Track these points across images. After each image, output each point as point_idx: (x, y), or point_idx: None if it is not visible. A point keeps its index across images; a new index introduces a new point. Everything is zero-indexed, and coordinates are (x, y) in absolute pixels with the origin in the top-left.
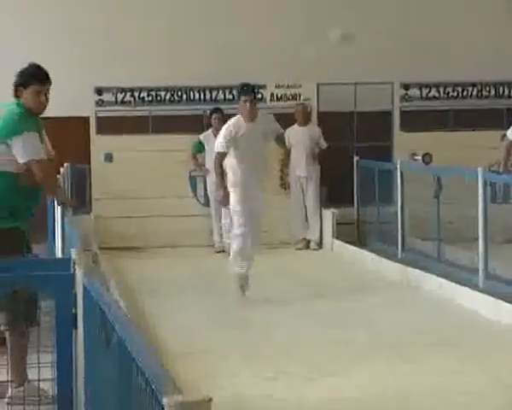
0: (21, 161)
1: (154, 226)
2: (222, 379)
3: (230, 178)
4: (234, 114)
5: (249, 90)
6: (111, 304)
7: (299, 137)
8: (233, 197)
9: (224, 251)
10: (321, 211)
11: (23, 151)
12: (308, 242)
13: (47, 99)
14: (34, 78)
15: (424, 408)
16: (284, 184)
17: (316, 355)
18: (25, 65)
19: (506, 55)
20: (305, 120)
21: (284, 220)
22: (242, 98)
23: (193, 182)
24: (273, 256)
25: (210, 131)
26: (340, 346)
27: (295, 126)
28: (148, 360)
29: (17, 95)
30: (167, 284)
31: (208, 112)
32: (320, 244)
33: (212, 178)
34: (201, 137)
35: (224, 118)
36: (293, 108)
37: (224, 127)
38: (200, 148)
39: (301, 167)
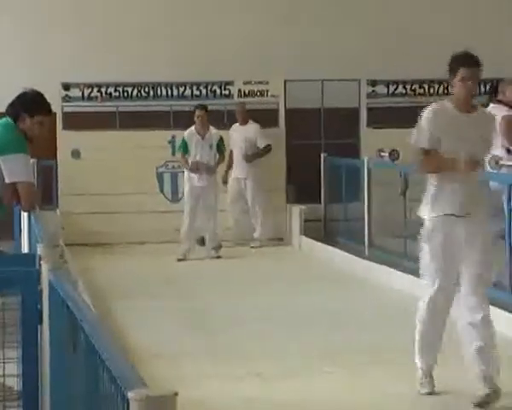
0: (11, 180)
1: (121, 223)
2: (191, 380)
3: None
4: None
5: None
6: (78, 301)
7: (237, 137)
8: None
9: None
10: (287, 208)
11: (14, 171)
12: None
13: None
14: (43, 109)
15: None
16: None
17: (284, 356)
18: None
19: (474, 51)
20: (243, 120)
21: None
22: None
23: (161, 178)
24: (241, 254)
25: (193, 128)
26: (309, 347)
27: (236, 126)
28: (113, 355)
29: (17, 119)
30: (136, 283)
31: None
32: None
33: (200, 177)
34: (185, 135)
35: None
36: (261, 105)
37: None
38: (185, 145)
39: (239, 168)
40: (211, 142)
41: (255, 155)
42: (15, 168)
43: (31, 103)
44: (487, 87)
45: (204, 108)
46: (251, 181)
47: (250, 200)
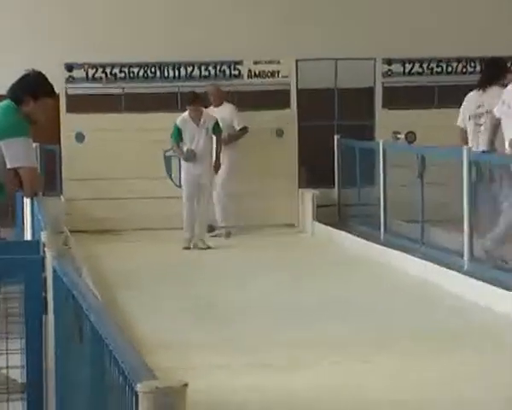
0: (12, 165)
1: (127, 209)
2: (199, 371)
3: None
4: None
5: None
6: (83, 290)
7: None
8: None
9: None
10: (298, 192)
11: (16, 155)
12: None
13: None
14: (47, 90)
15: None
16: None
17: (295, 346)
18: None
19: (491, 29)
20: (218, 101)
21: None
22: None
23: (168, 162)
24: (252, 239)
25: (186, 115)
26: (322, 337)
27: (210, 108)
28: (121, 346)
29: (20, 102)
30: (141, 271)
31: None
32: (228, 235)
33: (197, 163)
34: (178, 122)
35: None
36: (272, 86)
37: None
38: (179, 133)
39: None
40: (206, 127)
41: (232, 137)
42: (17, 153)
43: (34, 85)
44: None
45: (197, 97)
46: (226, 164)
47: (219, 185)
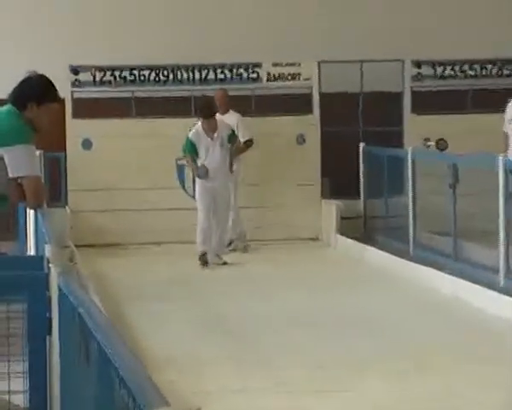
0: (15, 174)
1: (137, 221)
2: (213, 393)
3: None
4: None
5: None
6: (91, 308)
7: None
8: None
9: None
10: (322, 204)
11: (19, 164)
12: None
13: None
14: (51, 94)
15: None
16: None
17: (315, 366)
18: (22, 70)
19: None
20: (224, 108)
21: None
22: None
23: (181, 171)
24: (272, 253)
25: (200, 127)
26: (345, 355)
27: (216, 115)
28: (132, 369)
29: (22, 107)
30: (152, 288)
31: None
32: (246, 249)
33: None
34: (190, 136)
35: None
36: (292, 90)
37: None
38: (193, 148)
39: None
40: (221, 138)
41: (237, 150)
42: (20, 161)
43: (37, 89)
44: None
45: (210, 108)
46: (232, 180)
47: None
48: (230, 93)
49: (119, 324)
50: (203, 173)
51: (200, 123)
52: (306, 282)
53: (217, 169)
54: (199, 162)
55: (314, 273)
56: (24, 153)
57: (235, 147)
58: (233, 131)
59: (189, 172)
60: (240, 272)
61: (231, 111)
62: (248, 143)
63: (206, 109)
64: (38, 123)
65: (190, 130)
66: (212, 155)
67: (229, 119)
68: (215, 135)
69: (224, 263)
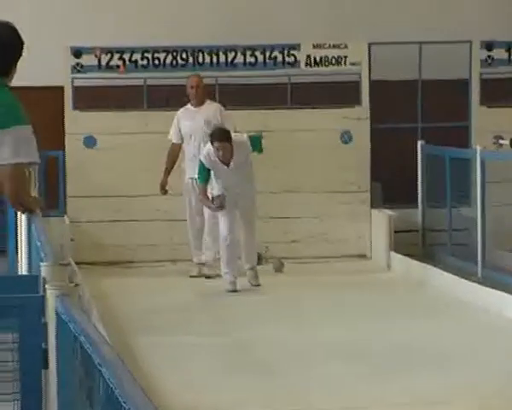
0: (11, 161)
1: (148, 234)
2: None
3: None
4: (254, 84)
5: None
6: (94, 338)
7: (192, 124)
8: None
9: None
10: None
11: (19, 148)
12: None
13: None
14: (22, 44)
15: None
16: None
17: (374, 406)
18: None
19: None
20: (201, 98)
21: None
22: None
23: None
24: (310, 273)
25: (211, 151)
26: (395, 396)
27: (188, 108)
28: None
29: (6, 73)
30: (166, 315)
31: None
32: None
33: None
34: (202, 159)
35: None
36: (337, 77)
37: None
38: (208, 175)
39: (196, 167)
40: (240, 165)
41: None
42: (20, 146)
43: (15, 43)
44: None
45: (226, 136)
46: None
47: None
48: (262, 80)
49: (128, 357)
50: (219, 206)
51: (211, 145)
52: (351, 308)
53: (238, 183)
54: (214, 190)
55: (362, 298)
56: (29, 135)
57: None
58: (254, 143)
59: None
60: (271, 296)
61: (208, 101)
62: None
63: (215, 131)
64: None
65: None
66: (229, 182)
67: (207, 110)
68: (231, 165)
69: (258, 285)
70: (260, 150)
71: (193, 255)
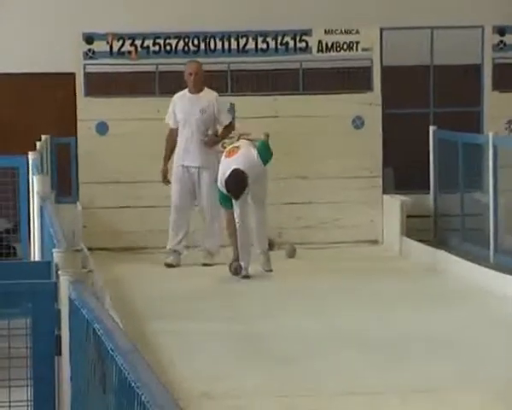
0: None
1: (161, 220)
2: None
3: None
4: (266, 70)
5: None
6: (108, 324)
7: (188, 110)
8: None
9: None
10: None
11: None
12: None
13: None
14: None
15: None
16: None
17: (379, 395)
18: None
19: None
20: (199, 86)
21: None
22: None
23: None
24: (322, 259)
25: (222, 180)
26: (410, 382)
27: (185, 94)
28: (159, 400)
29: None
30: (180, 302)
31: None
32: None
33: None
34: (219, 186)
35: None
36: (348, 62)
37: None
38: (228, 198)
39: (191, 154)
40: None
41: (219, 137)
42: None
43: None
44: None
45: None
46: (208, 173)
47: (205, 199)
48: (273, 66)
49: (141, 344)
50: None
51: (223, 162)
52: (364, 295)
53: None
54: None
55: (374, 284)
56: None
57: (214, 137)
58: (263, 155)
59: (223, 163)
60: (283, 283)
61: (206, 89)
62: (230, 128)
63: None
64: None
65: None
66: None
67: (204, 98)
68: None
69: (270, 270)
70: (271, 156)
71: (170, 243)
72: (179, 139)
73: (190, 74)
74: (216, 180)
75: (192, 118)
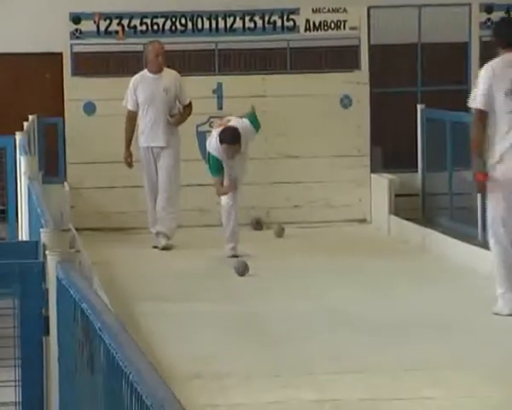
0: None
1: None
2: (244, 403)
3: None
4: (254, 49)
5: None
6: (96, 304)
7: (152, 90)
8: None
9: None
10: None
11: None
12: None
13: None
14: None
15: None
16: None
17: (370, 376)
18: None
19: None
20: (161, 66)
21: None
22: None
23: (202, 140)
24: (311, 238)
25: (219, 146)
26: (401, 363)
27: (145, 74)
28: (147, 379)
29: None
30: (169, 282)
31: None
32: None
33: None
34: (211, 151)
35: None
36: (336, 41)
37: None
38: (221, 166)
39: (154, 134)
40: (243, 152)
41: (182, 116)
42: None
43: None
44: None
45: (237, 139)
46: (171, 152)
47: (165, 178)
48: (261, 45)
49: (130, 326)
50: (233, 190)
51: (214, 132)
52: (354, 274)
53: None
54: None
55: (363, 263)
56: None
57: (180, 116)
58: (253, 123)
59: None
60: (274, 263)
61: (166, 69)
62: (190, 107)
63: (227, 135)
64: None
65: (207, 140)
66: (232, 166)
67: (166, 78)
68: (236, 157)
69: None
70: (259, 126)
71: (150, 226)
72: (143, 121)
73: (157, 56)
74: (177, 160)
75: (157, 98)
